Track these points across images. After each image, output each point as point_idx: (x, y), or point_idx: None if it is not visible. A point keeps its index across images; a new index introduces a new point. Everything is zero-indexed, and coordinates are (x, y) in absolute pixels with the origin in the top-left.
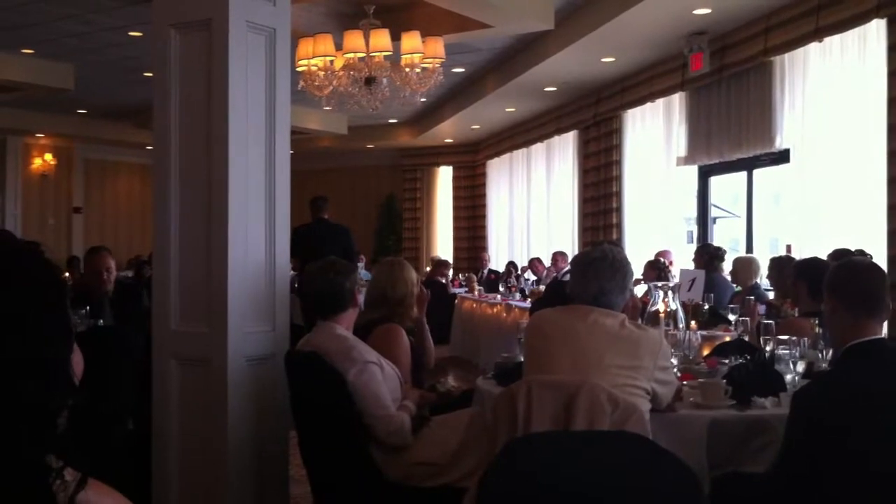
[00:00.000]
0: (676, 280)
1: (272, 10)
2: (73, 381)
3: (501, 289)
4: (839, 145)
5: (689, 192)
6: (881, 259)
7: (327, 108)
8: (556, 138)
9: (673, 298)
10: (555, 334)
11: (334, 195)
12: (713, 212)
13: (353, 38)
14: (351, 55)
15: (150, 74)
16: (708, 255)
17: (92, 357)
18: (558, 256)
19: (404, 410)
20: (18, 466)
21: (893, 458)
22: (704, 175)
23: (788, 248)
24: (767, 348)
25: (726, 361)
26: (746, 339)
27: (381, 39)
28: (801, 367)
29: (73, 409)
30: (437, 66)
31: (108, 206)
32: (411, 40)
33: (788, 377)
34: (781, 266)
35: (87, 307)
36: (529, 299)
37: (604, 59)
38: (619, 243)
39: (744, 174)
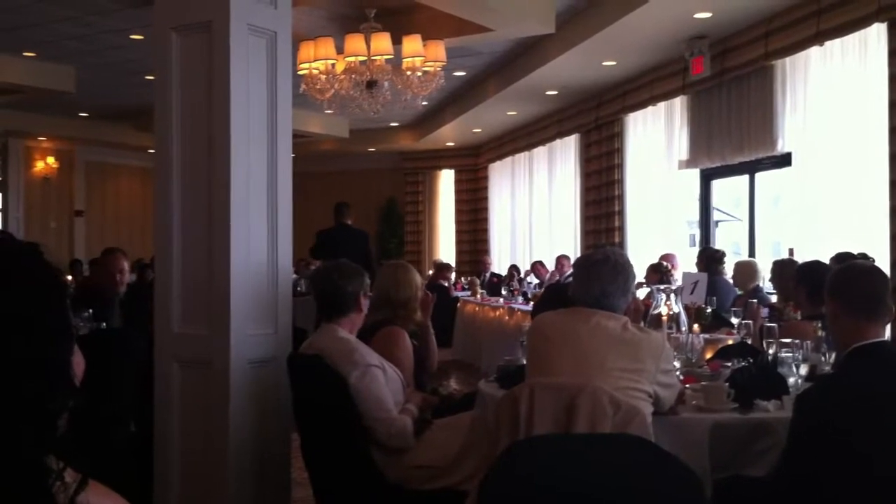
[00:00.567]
0: (679, 283)
1: (273, 13)
2: (74, 382)
3: (504, 292)
4: (841, 149)
5: (691, 196)
6: (884, 262)
7: (329, 111)
8: (558, 142)
9: (675, 301)
10: (557, 337)
11: (336, 198)
12: (715, 215)
13: (355, 42)
14: (352, 58)
15: (151, 77)
16: (707, 258)
17: (94, 359)
18: (563, 260)
19: (406, 413)
20: (18, 467)
21: None
22: (706, 178)
23: (791, 251)
24: (770, 351)
25: (729, 364)
26: (749, 342)
27: (383, 43)
28: (803, 370)
29: (75, 410)
30: (439, 69)
31: (109, 208)
32: (412, 44)
33: (791, 380)
34: (784, 269)
35: (91, 310)
36: (532, 302)
37: (605, 63)
38: (621, 246)
39: (745, 177)
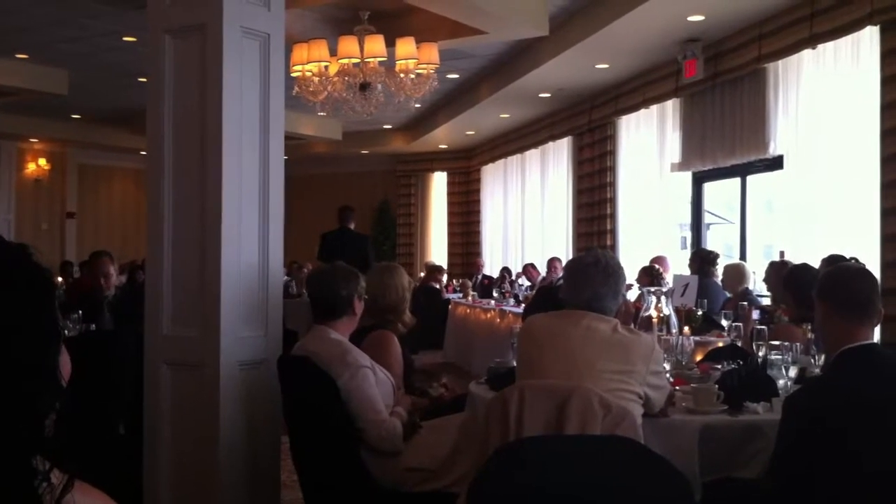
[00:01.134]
0: (670, 286)
1: (266, 16)
2: (62, 383)
3: (495, 294)
4: (833, 152)
5: (683, 199)
6: (875, 265)
7: (322, 113)
8: (551, 144)
9: (666, 304)
10: (547, 339)
11: (328, 201)
12: (707, 218)
13: (348, 44)
14: (345, 61)
15: (144, 79)
16: (700, 260)
17: (83, 361)
18: (555, 262)
19: (396, 417)
20: (4, 468)
21: (886, 462)
22: (698, 181)
23: (782, 254)
24: (760, 353)
25: (719, 367)
26: (739, 344)
27: (376, 45)
28: (793, 372)
29: (62, 412)
30: (432, 71)
31: (101, 211)
32: (406, 46)
33: (781, 382)
34: (778, 271)
35: (80, 312)
36: (523, 305)
37: (598, 66)
38: (613, 249)
39: (737, 180)
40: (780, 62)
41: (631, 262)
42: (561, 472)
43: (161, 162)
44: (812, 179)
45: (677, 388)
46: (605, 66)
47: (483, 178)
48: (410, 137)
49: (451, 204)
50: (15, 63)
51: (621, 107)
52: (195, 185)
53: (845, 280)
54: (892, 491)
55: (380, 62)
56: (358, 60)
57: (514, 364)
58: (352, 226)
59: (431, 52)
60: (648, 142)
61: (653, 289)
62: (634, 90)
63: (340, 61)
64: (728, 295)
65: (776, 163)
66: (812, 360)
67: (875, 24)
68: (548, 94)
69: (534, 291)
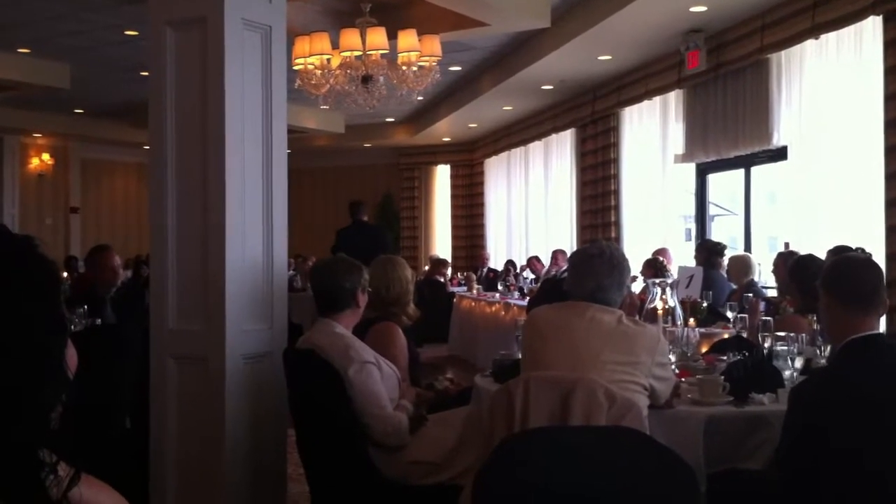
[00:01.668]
0: (674, 277)
1: (268, 8)
2: (68, 376)
3: (500, 287)
4: (837, 142)
5: (687, 190)
6: (880, 255)
7: (324, 106)
8: (554, 136)
9: (671, 295)
10: (552, 331)
11: (331, 194)
12: (711, 209)
13: (350, 37)
14: (347, 53)
15: (146, 73)
16: (707, 251)
17: (89, 355)
18: (558, 255)
19: (401, 410)
20: (11, 460)
21: (890, 454)
22: (702, 173)
23: (787, 245)
24: (765, 345)
25: (724, 358)
26: (745, 335)
27: (378, 38)
28: (798, 363)
29: (69, 405)
30: (434, 64)
31: (105, 205)
32: (408, 38)
33: (786, 373)
34: (785, 262)
35: (86, 306)
36: (528, 297)
37: (601, 57)
38: (617, 241)
39: (741, 172)
40: (782, 53)
41: (635, 253)
42: (566, 464)
43: (163, 156)
44: (816, 170)
45: (683, 379)
46: (608, 57)
47: (486, 171)
48: (413, 130)
49: (454, 197)
50: (16, 57)
51: (624, 98)
52: (198, 179)
53: (850, 271)
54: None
55: (382, 55)
56: (360, 53)
57: (519, 356)
58: (365, 218)
59: (433, 44)
60: (651, 133)
61: (657, 280)
62: (637, 81)
63: (342, 54)
64: (733, 286)
65: (780, 154)
66: (818, 351)
67: (878, 14)
68: (550, 86)
69: (538, 284)
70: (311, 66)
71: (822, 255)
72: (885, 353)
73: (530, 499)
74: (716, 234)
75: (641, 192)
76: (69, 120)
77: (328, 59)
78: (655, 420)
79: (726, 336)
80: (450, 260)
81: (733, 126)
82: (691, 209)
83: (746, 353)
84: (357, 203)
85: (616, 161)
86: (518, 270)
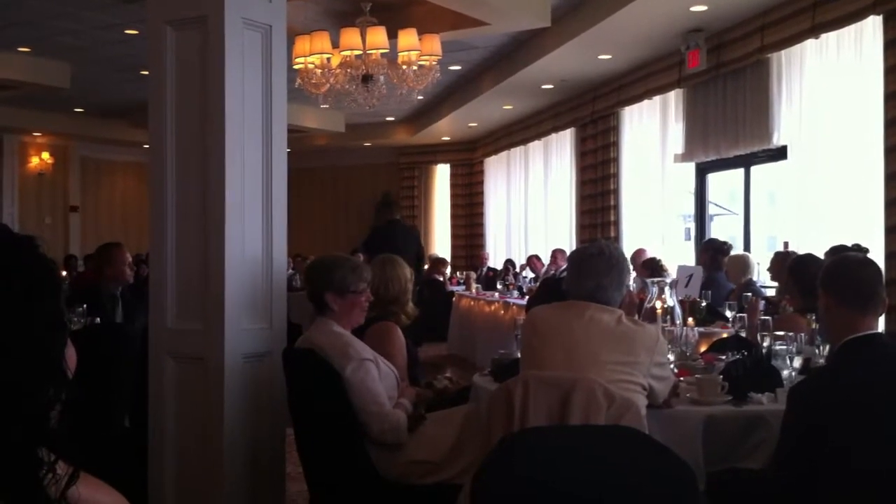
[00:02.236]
0: (674, 276)
1: (268, 7)
2: (67, 374)
3: (499, 286)
4: (836, 142)
5: (687, 190)
6: (879, 255)
7: (324, 105)
8: (554, 136)
9: (670, 295)
10: (551, 330)
11: (331, 193)
12: (710, 209)
13: (350, 36)
14: (348, 53)
15: (146, 73)
16: (713, 250)
17: (88, 355)
18: (557, 254)
19: (400, 409)
20: (9, 458)
21: (889, 453)
22: (702, 172)
23: (786, 244)
24: (764, 344)
25: (723, 357)
26: (743, 335)
27: (378, 37)
28: (797, 362)
29: (67, 404)
30: (434, 63)
31: (104, 204)
32: (408, 38)
33: (785, 373)
34: (782, 261)
35: (85, 305)
36: (527, 297)
37: (601, 57)
38: (616, 240)
39: (741, 171)
40: (782, 52)
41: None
42: (565, 463)
43: (163, 155)
44: (815, 170)
45: (682, 378)
46: (608, 57)
47: (486, 170)
48: (413, 129)
49: (454, 196)
50: (17, 56)
51: (624, 98)
52: (198, 178)
53: (849, 271)
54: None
55: (382, 54)
56: (360, 52)
57: (518, 355)
58: (399, 217)
59: (434, 43)
60: (651, 133)
61: (656, 279)
62: (637, 81)
63: (343, 53)
64: (732, 286)
65: (780, 153)
66: (816, 351)
67: (878, 14)
68: (550, 86)
69: (537, 283)
70: (311, 66)
71: (821, 256)
72: (883, 352)
73: (529, 498)
74: (715, 233)
75: (641, 192)
76: (69, 119)
77: (328, 59)
78: (654, 419)
79: (725, 335)
80: (449, 259)
81: (733, 126)
82: (691, 209)
83: (745, 353)
84: (392, 201)
85: (616, 160)
86: (517, 270)
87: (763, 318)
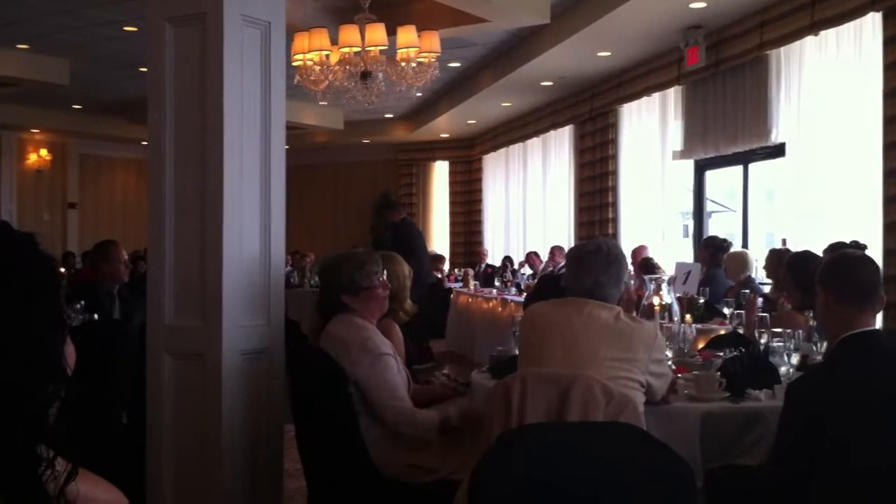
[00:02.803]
0: (671, 273)
1: (267, 4)
2: (67, 371)
3: (497, 283)
4: (835, 139)
5: (685, 187)
6: (877, 252)
7: (323, 102)
8: (552, 133)
9: (668, 292)
10: (549, 327)
11: (330, 190)
12: (709, 206)
13: (349, 33)
14: (346, 49)
15: (145, 69)
16: (713, 248)
17: (86, 351)
18: (556, 250)
19: (442, 413)
20: (8, 455)
21: (887, 449)
22: (700, 169)
23: (784, 241)
24: (762, 341)
25: (721, 354)
26: (741, 331)
27: (377, 34)
28: (795, 359)
29: (66, 401)
30: (433, 60)
31: (103, 201)
32: (407, 35)
33: (783, 369)
34: (779, 258)
35: (83, 302)
36: (525, 294)
37: (600, 54)
38: (614, 237)
39: (739, 168)
40: (781, 49)
41: (633, 249)
42: (563, 460)
43: (162, 152)
44: (814, 167)
45: (679, 375)
46: (607, 53)
47: (485, 167)
48: (412, 126)
49: (452, 193)
50: (15, 53)
51: (623, 95)
52: (196, 175)
53: (847, 268)
54: (894, 480)
55: (381, 51)
56: (359, 49)
57: (516, 352)
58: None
59: (432, 40)
60: (650, 130)
61: (654, 276)
62: (636, 78)
63: (341, 50)
64: (730, 283)
65: (778, 151)
66: (814, 348)
67: (877, 11)
68: (549, 83)
69: (536, 280)
70: (310, 63)
71: (820, 252)
72: (881, 349)
73: (527, 494)
74: (713, 230)
75: (639, 189)
76: (68, 116)
77: (327, 56)
78: (652, 416)
79: (723, 332)
80: (447, 256)
81: (732, 123)
82: (689, 206)
83: (743, 350)
84: (395, 200)
85: (614, 157)
86: (515, 267)
87: (761, 314)
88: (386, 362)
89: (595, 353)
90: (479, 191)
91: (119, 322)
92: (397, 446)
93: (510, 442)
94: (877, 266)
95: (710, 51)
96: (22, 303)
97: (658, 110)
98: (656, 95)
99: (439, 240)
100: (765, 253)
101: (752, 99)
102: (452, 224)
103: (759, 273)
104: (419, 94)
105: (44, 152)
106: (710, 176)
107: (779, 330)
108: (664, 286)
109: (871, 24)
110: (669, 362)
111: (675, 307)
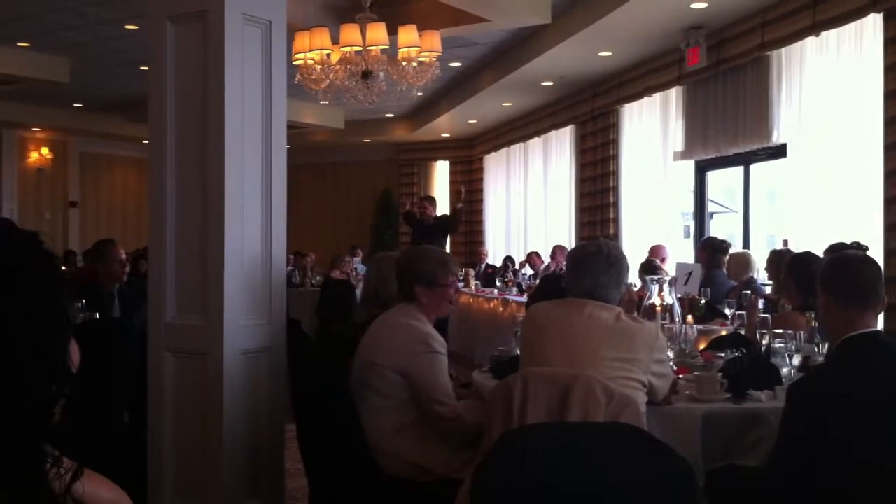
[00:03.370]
0: (672, 275)
1: (268, 2)
2: (71, 370)
3: (498, 283)
4: (836, 140)
5: (686, 187)
6: (878, 252)
7: (324, 102)
8: (553, 133)
9: (669, 292)
10: (551, 327)
11: (330, 190)
12: (710, 207)
13: (350, 32)
14: (347, 49)
15: (146, 68)
16: (712, 248)
17: (87, 350)
18: (557, 251)
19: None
20: (15, 454)
21: (888, 450)
22: (701, 170)
23: (785, 242)
24: (763, 342)
25: (722, 355)
26: (743, 332)
27: (378, 33)
28: (796, 360)
29: (70, 400)
30: (434, 60)
31: (104, 200)
32: (408, 34)
33: (784, 371)
34: (780, 259)
35: (84, 300)
36: (526, 294)
37: (601, 54)
38: (616, 237)
39: (740, 169)
40: (783, 50)
41: (635, 250)
42: (564, 460)
43: (163, 150)
44: (815, 168)
45: (681, 376)
46: (608, 54)
47: (485, 167)
48: (412, 126)
49: (453, 193)
50: (16, 51)
51: (624, 95)
52: (197, 174)
53: (848, 269)
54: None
55: (382, 50)
56: (360, 48)
57: (517, 352)
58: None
59: (434, 39)
60: (651, 130)
61: (655, 277)
62: (637, 78)
63: (342, 49)
64: (733, 283)
65: (779, 151)
66: (815, 349)
67: (878, 12)
68: (550, 83)
69: (537, 280)
70: (310, 62)
71: (820, 254)
72: (882, 350)
73: (528, 494)
74: (714, 231)
75: (641, 189)
76: (68, 114)
77: (328, 55)
78: (653, 416)
79: (724, 333)
80: None
81: (733, 123)
82: (690, 206)
83: (744, 350)
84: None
85: (615, 158)
86: (516, 267)
87: (762, 315)
88: (441, 362)
89: (595, 352)
90: (480, 191)
91: (120, 321)
92: (402, 445)
93: (511, 442)
94: (878, 267)
95: (711, 51)
96: (27, 301)
97: (659, 111)
98: (657, 96)
99: None
100: (766, 254)
101: (753, 99)
102: None
103: (760, 274)
104: (420, 94)
105: (45, 151)
106: (712, 176)
107: (780, 331)
108: (665, 287)
109: (872, 25)
110: (671, 363)
111: (677, 308)
